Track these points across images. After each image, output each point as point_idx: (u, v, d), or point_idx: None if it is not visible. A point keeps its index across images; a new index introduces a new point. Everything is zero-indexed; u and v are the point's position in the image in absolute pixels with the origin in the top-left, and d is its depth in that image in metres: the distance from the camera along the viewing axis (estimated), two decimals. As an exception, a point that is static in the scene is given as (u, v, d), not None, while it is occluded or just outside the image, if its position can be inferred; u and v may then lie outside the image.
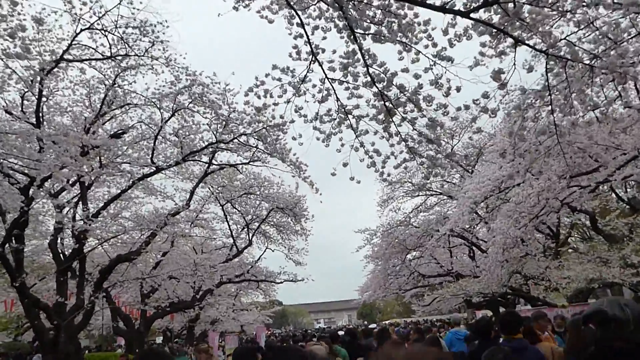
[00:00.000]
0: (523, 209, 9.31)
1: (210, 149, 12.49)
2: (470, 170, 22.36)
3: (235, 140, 11.77)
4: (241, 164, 14.48)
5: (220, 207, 19.39)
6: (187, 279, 18.55)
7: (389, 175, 7.08)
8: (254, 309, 36.17)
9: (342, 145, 6.72)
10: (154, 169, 12.34)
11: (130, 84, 12.98)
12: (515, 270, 11.52)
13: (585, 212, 16.81)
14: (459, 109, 5.97)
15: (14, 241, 10.95)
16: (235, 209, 20.20)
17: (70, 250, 14.21)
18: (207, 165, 13.91)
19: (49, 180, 14.71)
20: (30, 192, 10.06)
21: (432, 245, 21.16)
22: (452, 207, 24.89)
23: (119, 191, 13.11)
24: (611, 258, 16.40)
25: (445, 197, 25.03)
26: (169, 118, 11.65)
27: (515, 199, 9.57)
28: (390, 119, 5.86)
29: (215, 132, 11.52)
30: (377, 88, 5.74)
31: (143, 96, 11.35)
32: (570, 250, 20.48)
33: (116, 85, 12.83)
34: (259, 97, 6.33)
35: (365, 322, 66.91)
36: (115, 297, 22.26)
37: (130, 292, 23.19)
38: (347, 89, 6.16)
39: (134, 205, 17.06)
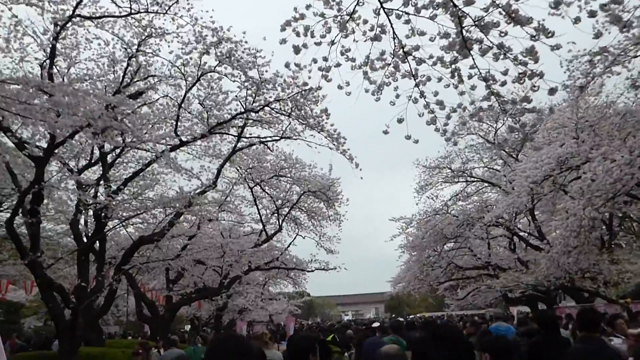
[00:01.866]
0: (600, 187, 8.02)
1: (240, 120, 11.43)
2: (515, 156, 20.90)
3: (267, 109, 10.67)
4: (272, 140, 13.40)
5: (249, 190, 18.39)
6: (214, 263, 17.67)
7: (453, 134, 5.85)
8: (283, 298, 35.32)
9: (397, 96, 5.55)
10: (178, 142, 11.35)
11: (154, 53, 12.10)
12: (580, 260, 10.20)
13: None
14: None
15: (28, 216, 10.16)
16: (265, 192, 19.18)
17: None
18: (235, 140, 12.87)
19: (68, 154, 14.04)
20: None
21: (474, 235, 19.83)
22: (493, 195, 23.51)
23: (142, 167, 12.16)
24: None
25: (486, 185, 23.58)
26: (194, 83, 10.61)
27: (590, 175, 8.28)
28: (468, 51, 4.63)
29: (244, 101, 10.44)
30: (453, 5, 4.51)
31: (167, 60, 10.34)
32: (620, 244, 18.82)
33: (139, 52, 11.96)
34: (297, 35, 5.21)
35: (394, 315, 65.63)
36: (140, 284, 21.64)
37: (156, 277, 22.58)
38: (407, 22, 4.97)
39: (159, 187, 16.17)
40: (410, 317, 44.89)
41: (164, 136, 11.31)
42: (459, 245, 23.37)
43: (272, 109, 10.45)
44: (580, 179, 8.75)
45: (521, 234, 21.57)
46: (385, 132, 5.72)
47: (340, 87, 5.59)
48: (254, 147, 15.94)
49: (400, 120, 5.54)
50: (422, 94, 5.44)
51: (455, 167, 23.06)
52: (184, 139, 11.46)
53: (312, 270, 20.84)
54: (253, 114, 10.95)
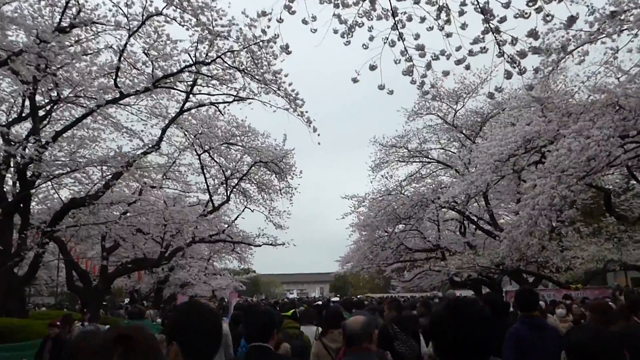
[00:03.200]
0: (573, 165, 7.54)
1: (189, 75, 10.35)
2: (472, 139, 20.61)
3: (220, 64, 9.63)
4: (224, 102, 12.37)
5: (197, 157, 17.26)
6: (155, 232, 16.53)
7: (432, 87, 5.09)
8: (227, 274, 34.31)
9: (371, 39, 4.74)
10: (118, 94, 10.18)
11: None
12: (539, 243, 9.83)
13: (601, 189, 15.25)
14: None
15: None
16: (214, 160, 18.10)
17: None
18: (184, 97, 11.78)
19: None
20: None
21: (427, 216, 19.49)
22: (447, 179, 23.26)
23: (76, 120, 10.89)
24: (625, 239, 14.96)
25: (441, 167, 23.27)
26: (139, 27, 9.43)
27: (563, 151, 7.77)
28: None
29: (195, 51, 9.36)
30: None
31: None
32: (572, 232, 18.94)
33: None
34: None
35: (338, 295, 65.86)
36: (74, 252, 20.21)
37: (94, 247, 21.16)
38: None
39: (99, 148, 14.81)
40: (359, 296, 44.88)
41: (102, 87, 10.11)
42: (410, 227, 23.06)
43: (225, 62, 9.42)
44: (548, 158, 8.26)
45: (472, 218, 21.42)
46: (355, 80, 4.91)
47: (305, 22, 4.73)
48: (204, 110, 14.89)
49: (372, 67, 4.75)
50: (400, 37, 4.65)
51: (412, 147, 22.60)
52: (125, 92, 10.29)
53: (259, 245, 20.00)
54: (204, 69, 9.88)
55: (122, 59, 9.99)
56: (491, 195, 19.55)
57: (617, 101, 9.35)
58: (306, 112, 9.38)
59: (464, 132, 21.21)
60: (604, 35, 9.78)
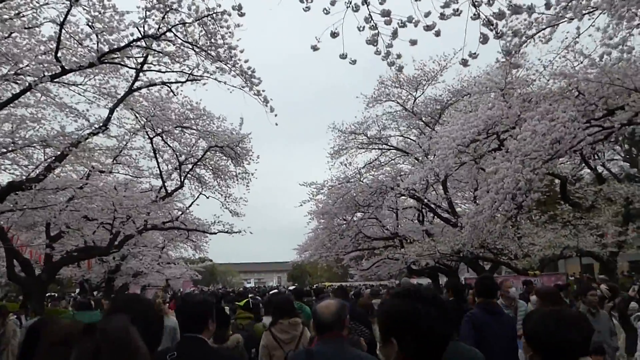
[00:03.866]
0: (537, 148, 7.36)
1: (138, 51, 9.67)
2: (431, 127, 20.52)
3: (171, 38, 8.99)
4: (176, 82, 11.72)
5: (149, 141, 16.47)
6: (104, 219, 15.74)
7: (398, 57, 4.71)
8: (182, 262, 33.47)
9: (333, 3, 4.32)
10: (60, 69, 9.42)
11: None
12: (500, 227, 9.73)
13: (558, 176, 15.41)
14: None
15: None
16: (168, 144, 17.34)
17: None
18: (134, 74, 11.07)
19: None
20: None
21: (387, 205, 19.33)
22: (406, 166, 23.18)
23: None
24: (580, 226, 15.20)
25: (399, 155, 23.16)
26: (80, -5, 8.71)
27: (527, 134, 7.58)
28: None
29: (143, 23, 8.69)
30: None
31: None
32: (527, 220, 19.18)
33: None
34: None
35: (296, 284, 65.79)
36: (17, 241, 19.10)
37: (38, 234, 20.08)
38: None
39: (42, 130, 13.85)
40: (315, 285, 44.78)
41: (42, 62, 9.33)
42: (369, 216, 22.89)
43: (177, 36, 8.80)
44: (512, 142, 8.07)
45: (431, 206, 21.41)
46: (315, 49, 4.49)
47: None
48: (156, 91, 14.18)
49: (334, 34, 4.34)
50: (365, 1, 4.25)
51: (372, 134, 22.37)
52: (68, 67, 9.53)
53: (215, 233, 19.40)
54: (155, 45, 9.23)
55: (63, 31, 9.23)
56: (449, 184, 19.57)
57: (577, 87, 9.28)
58: (263, 91, 8.90)
59: (423, 119, 21.12)
60: (565, 20, 9.67)
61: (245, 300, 7.25)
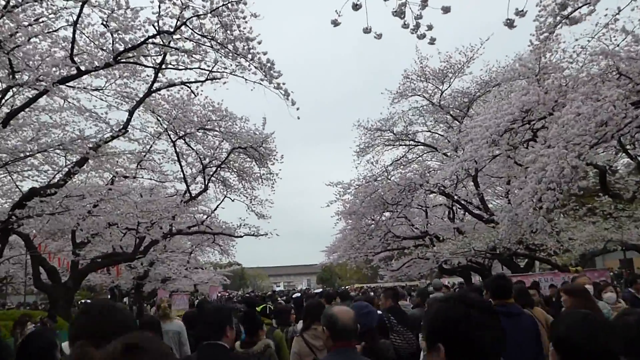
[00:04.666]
0: (581, 132, 6.76)
1: (155, 49, 9.38)
2: (460, 121, 19.86)
3: (187, 34, 8.65)
4: (196, 81, 11.43)
5: (172, 144, 16.25)
6: (128, 224, 15.57)
7: (428, 28, 4.22)
8: (210, 267, 33.36)
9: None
10: (75, 71, 9.19)
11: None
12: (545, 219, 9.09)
13: (596, 166, 14.62)
14: None
15: None
16: (191, 147, 17.10)
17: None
18: (153, 74, 10.80)
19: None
20: None
21: (416, 202, 18.75)
22: (434, 163, 22.55)
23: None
24: (622, 218, 14.35)
25: (427, 151, 22.53)
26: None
27: (568, 117, 6.97)
28: None
29: (158, 19, 8.35)
30: None
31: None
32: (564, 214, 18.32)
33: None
34: None
35: (325, 286, 65.44)
36: (45, 248, 19.14)
37: (67, 242, 20.11)
38: None
39: (62, 133, 13.72)
40: (344, 287, 44.31)
41: (57, 63, 9.10)
42: (397, 215, 22.30)
43: (192, 30, 8.45)
44: (553, 127, 7.47)
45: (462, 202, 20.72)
46: (335, 24, 4.04)
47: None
48: (177, 92, 13.89)
49: (356, 7, 3.90)
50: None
51: (398, 130, 21.79)
52: (84, 68, 9.30)
53: (241, 236, 19.09)
54: (170, 40, 8.90)
55: (77, 31, 8.98)
56: (479, 179, 18.90)
57: (618, 68, 8.62)
58: (283, 84, 8.48)
59: (451, 113, 20.47)
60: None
61: (263, 306, 6.87)
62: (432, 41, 4.06)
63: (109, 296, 34.14)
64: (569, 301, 5.04)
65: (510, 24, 4.36)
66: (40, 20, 11.20)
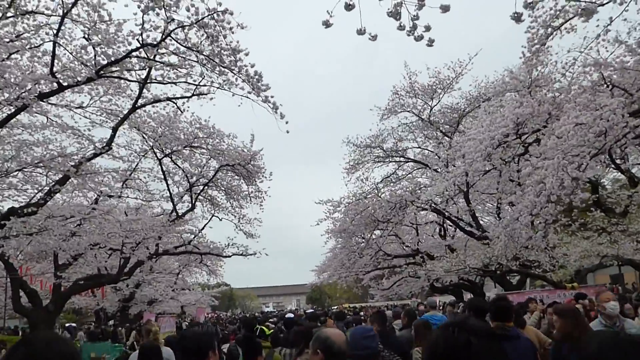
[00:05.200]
0: (580, 143, 6.55)
1: (139, 63, 9.09)
2: (450, 136, 19.75)
3: (172, 47, 8.38)
4: (183, 97, 11.15)
5: (158, 162, 15.89)
6: (113, 245, 15.11)
7: (426, 29, 3.99)
8: (198, 288, 32.72)
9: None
10: (56, 86, 8.88)
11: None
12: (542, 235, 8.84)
13: (589, 180, 14.51)
14: None
15: None
16: (177, 165, 16.74)
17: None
18: (138, 89, 10.51)
19: None
20: None
21: (407, 219, 18.48)
22: (424, 180, 22.39)
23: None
24: (616, 233, 14.19)
25: (418, 167, 22.38)
26: (74, 4, 8.16)
27: (567, 128, 6.77)
28: None
29: (141, 31, 8.07)
30: None
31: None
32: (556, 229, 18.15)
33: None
34: None
35: (315, 307, 64.70)
36: (26, 270, 18.61)
37: (50, 264, 19.59)
38: None
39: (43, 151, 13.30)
40: (334, 307, 43.74)
41: (37, 78, 8.79)
42: (388, 233, 22.01)
43: (176, 41, 8.19)
44: (550, 139, 7.26)
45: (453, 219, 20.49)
46: (327, 25, 3.80)
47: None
48: (162, 109, 13.57)
49: (348, 7, 3.66)
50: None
51: (388, 146, 21.64)
52: (65, 83, 8.99)
53: (229, 256, 18.63)
54: (154, 53, 8.63)
55: (59, 46, 8.70)
56: (470, 196, 18.73)
57: (610, 80, 8.49)
58: (272, 97, 8.21)
59: (440, 129, 20.38)
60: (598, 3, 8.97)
61: (258, 328, 6.62)
62: (431, 43, 3.83)
63: (94, 319, 33.39)
64: (558, 320, 4.92)
65: (517, 17, 4.15)
66: (22, 36, 10.93)
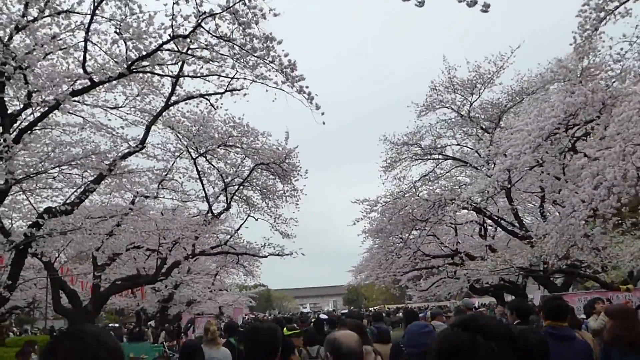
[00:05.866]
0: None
1: (171, 57, 8.92)
2: (490, 132, 19.02)
3: (203, 39, 8.16)
4: (216, 93, 10.98)
5: (192, 161, 15.82)
6: (150, 245, 15.12)
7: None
8: (236, 289, 32.77)
9: None
10: (88, 82, 8.78)
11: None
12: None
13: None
14: None
15: None
16: (212, 165, 16.65)
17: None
18: (171, 86, 10.37)
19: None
20: None
21: (448, 217, 17.91)
22: (463, 178, 21.73)
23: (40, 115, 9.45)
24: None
25: (456, 165, 21.69)
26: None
27: (630, 114, 6.20)
28: None
29: (172, 22, 7.89)
30: None
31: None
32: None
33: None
34: None
35: (352, 308, 64.23)
36: (67, 271, 18.82)
37: (87, 263, 19.84)
38: None
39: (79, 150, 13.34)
40: (372, 308, 43.24)
41: (70, 75, 8.71)
42: (426, 233, 21.42)
43: (208, 32, 7.96)
44: (610, 126, 6.68)
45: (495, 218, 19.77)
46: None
47: None
48: (196, 106, 13.44)
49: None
50: None
51: (426, 144, 21.03)
52: (96, 79, 8.88)
53: (265, 256, 18.45)
54: (186, 46, 8.43)
55: (89, 43, 8.59)
56: (512, 194, 18.02)
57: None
58: (306, 87, 7.89)
59: (481, 125, 19.67)
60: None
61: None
62: (486, 8, 3.43)
63: (135, 319, 33.85)
64: (609, 322, 4.67)
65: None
66: (58, 38, 10.91)
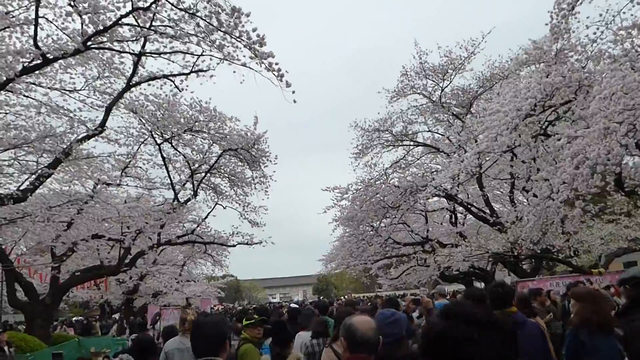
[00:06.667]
0: (628, 107, 5.75)
1: (132, 33, 8.33)
2: (462, 118, 18.90)
3: (164, 12, 7.61)
4: (181, 74, 10.42)
5: (157, 147, 15.18)
6: (113, 235, 14.49)
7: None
8: (204, 280, 32.10)
9: None
10: (41, 59, 8.13)
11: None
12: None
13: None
14: None
15: None
16: (178, 151, 16.01)
17: None
18: (132, 65, 9.76)
19: None
20: None
21: (420, 203, 17.73)
22: (434, 165, 21.57)
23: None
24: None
25: (427, 152, 21.55)
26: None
27: (612, 90, 5.98)
28: None
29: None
30: None
31: None
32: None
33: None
34: None
35: (321, 297, 64.20)
36: (24, 262, 17.95)
37: (45, 254, 18.99)
38: None
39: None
40: (342, 298, 43.16)
41: (20, 51, 8.06)
42: (397, 221, 21.23)
43: (171, 3, 7.40)
44: (592, 104, 6.44)
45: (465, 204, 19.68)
46: None
47: None
48: (160, 88, 12.79)
49: None
50: None
51: (397, 130, 20.78)
52: (51, 56, 8.24)
53: (234, 245, 17.95)
54: (148, 22, 7.87)
55: (40, 14, 7.94)
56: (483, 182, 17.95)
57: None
58: (276, 64, 7.43)
59: (452, 111, 19.54)
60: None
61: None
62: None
63: (99, 312, 32.91)
64: (576, 306, 4.64)
65: None
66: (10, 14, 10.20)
